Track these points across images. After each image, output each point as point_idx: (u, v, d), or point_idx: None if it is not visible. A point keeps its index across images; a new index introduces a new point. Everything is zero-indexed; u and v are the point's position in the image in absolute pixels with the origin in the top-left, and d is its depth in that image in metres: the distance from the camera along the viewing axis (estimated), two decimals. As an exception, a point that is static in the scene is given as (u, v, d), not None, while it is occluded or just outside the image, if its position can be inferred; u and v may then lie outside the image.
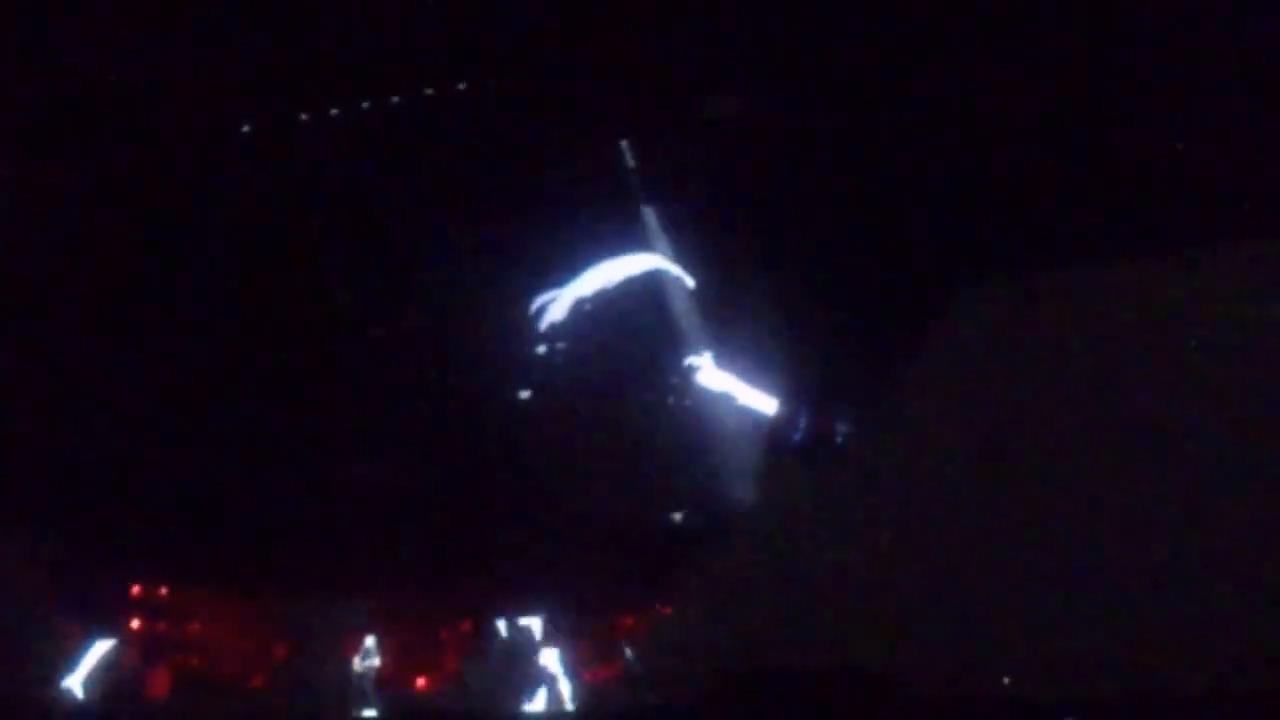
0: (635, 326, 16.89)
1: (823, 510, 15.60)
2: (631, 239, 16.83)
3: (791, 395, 16.48)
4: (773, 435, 16.48)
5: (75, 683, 16.67)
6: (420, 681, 17.05)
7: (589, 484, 16.67)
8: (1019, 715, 13.78)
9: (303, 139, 16.62)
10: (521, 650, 16.45)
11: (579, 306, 16.72)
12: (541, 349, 16.82)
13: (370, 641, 17.05)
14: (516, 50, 16.04)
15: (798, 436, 16.38)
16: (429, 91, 16.24)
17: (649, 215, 16.82)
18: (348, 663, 16.86)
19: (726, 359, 16.73)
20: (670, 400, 16.90)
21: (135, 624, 17.40)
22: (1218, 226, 14.90)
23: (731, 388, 16.72)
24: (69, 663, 16.72)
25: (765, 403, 16.58)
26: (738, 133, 16.20)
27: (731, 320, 16.70)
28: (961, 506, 15.16)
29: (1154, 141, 15.28)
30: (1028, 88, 15.52)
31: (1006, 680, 14.59)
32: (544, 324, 16.71)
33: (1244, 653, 13.58)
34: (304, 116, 16.40)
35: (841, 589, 15.16)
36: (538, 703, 16.06)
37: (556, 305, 16.68)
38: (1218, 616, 13.86)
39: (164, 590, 17.70)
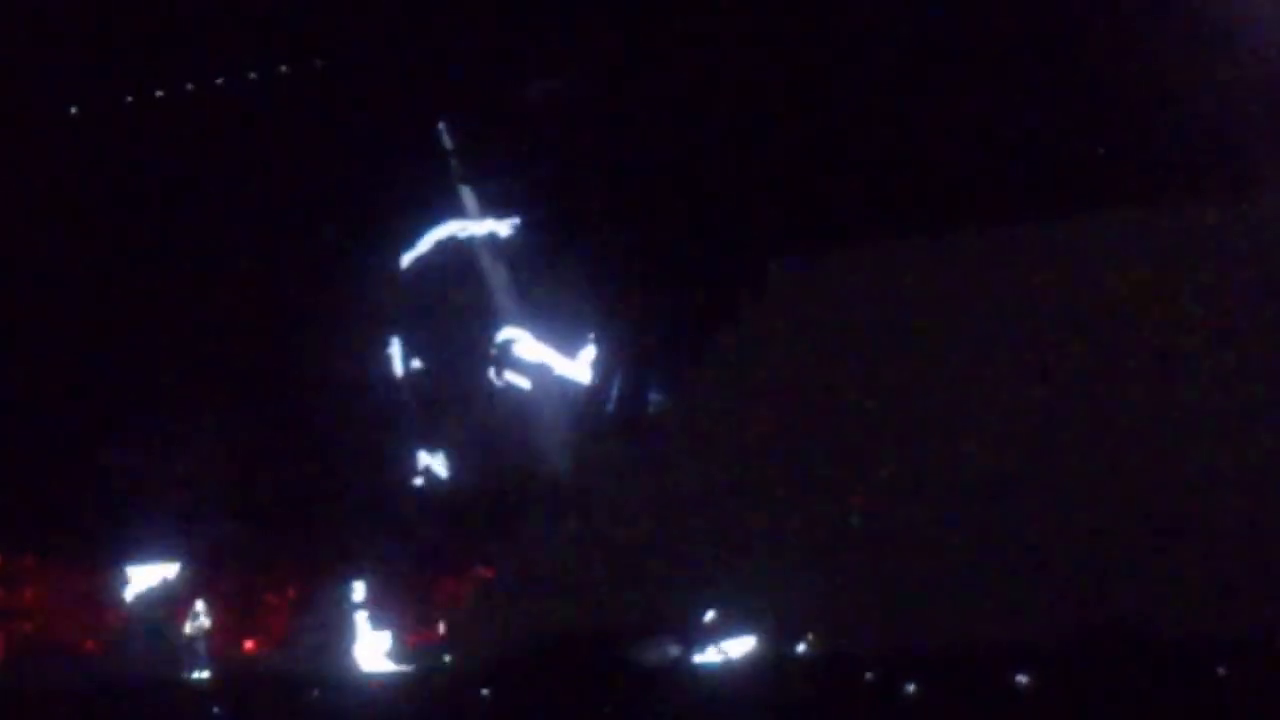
0: (453, 300, 17.20)
1: (634, 479, 15.96)
2: (448, 218, 17.16)
3: (604, 366, 16.83)
4: (586, 405, 16.85)
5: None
6: (248, 644, 17.38)
7: (407, 451, 17.05)
8: (831, 672, 14.11)
9: (122, 125, 16.84)
10: (345, 614, 16.83)
11: (396, 283, 17.04)
12: (360, 324, 17.12)
13: (200, 606, 17.36)
14: (335, 34, 16.29)
15: (610, 407, 16.77)
16: (252, 76, 16.50)
17: (466, 195, 17.17)
18: (178, 627, 17.20)
19: (542, 331, 17.08)
20: (487, 371, 17.23)
21: (-31, 592, 17.77)
22: (1042, 201, 15.30)
23: (546, 359, 17.08)
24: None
25: (579, 373, 16.96)
26: (552, 113, 16.57)
27: (547, 294, 17.04)
28: (774, 477, 15.54)
29: (978, 115, 15.59)
30: (846, 61, 15.84)
31: (810, 636, 15.04)
32: (362, 301, 17.02)
33: (1054, 612, 14.06)
34: (129, 99, 16.62)
35: (654, 556, 15.53)
36: (361, 664, 16.41)
37: (374, 282, 16.99)
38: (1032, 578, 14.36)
39: (-2, 560, 17.96)
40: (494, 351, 17.19)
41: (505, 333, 17.12)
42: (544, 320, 17.04)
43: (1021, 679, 11.95)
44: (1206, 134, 14.70)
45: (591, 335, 16.89)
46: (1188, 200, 14.88)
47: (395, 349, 17.32)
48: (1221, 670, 11.58)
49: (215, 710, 15.12)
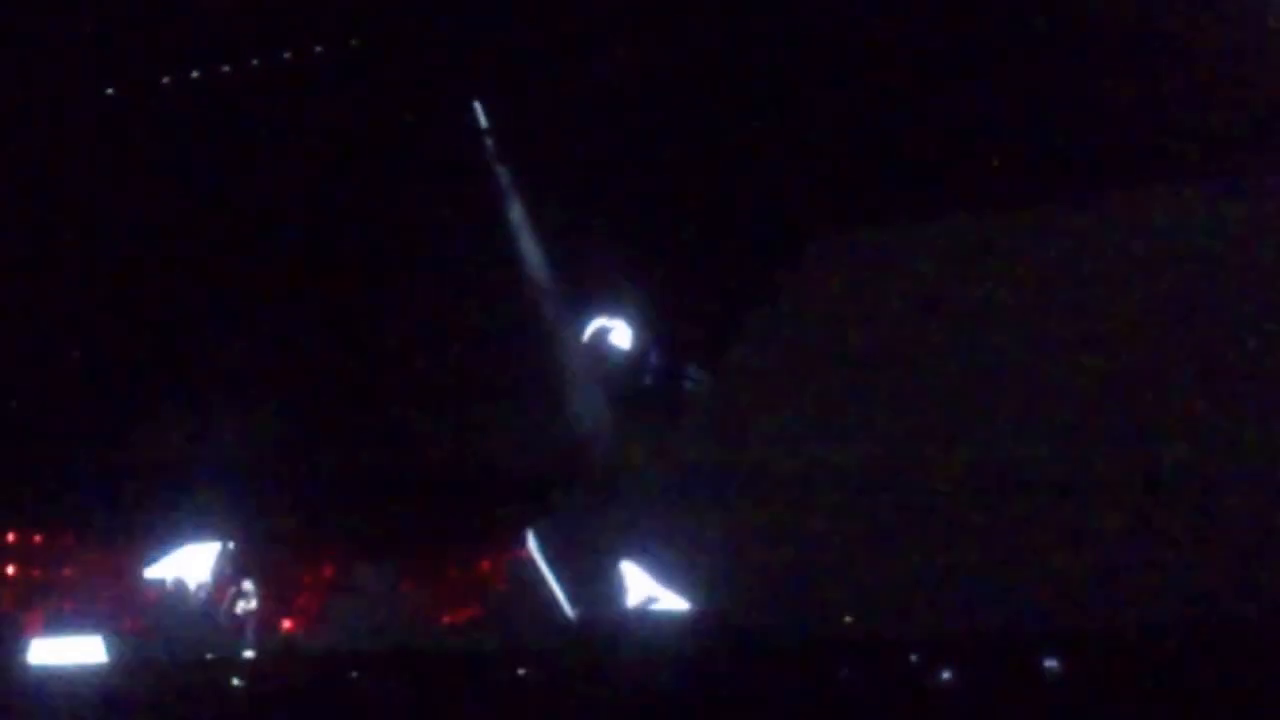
0: (489, 280, 17.22)
1: (673, 455, 16.02)
2: (485, 198, 17.16)
3: (642, 340, 16.84)
4: (624, 380, 16.85)
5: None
6: (286, 623, 17.45)
7: (445, 428, 17.08)
8: (863, 652, 14.15)
9: (159, 106, 16.92)
10: (383, 592, 16.91)
11: (432, 263, 17.06)
12: (397, 301, 17.15)
13: (247, 585, 17.46)
14: (370, 12, 16.31)
15: (648, 381, 16.77)
16: (286, 55, 16.53)
17: (503, 174, 17.17)
18: (219, 605, 17.28)
19: (582, 307, 17.09)
20: (526, 347, 17.25)
21: (10, 570, 17.87)
22: (1076, 176, 15.27)
23: (585, 335, 17.10)
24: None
25: (617, 349, 16.96)
26: (591, 91, 16.55)
27: (586, 269, 17.04)
28: (811, 455, 15.56)
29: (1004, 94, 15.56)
30: (886, 36, 15.82)
31: (849, 619, 15.06)
32: (401, 280, 17.04)
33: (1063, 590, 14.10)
34: (166, 80, 16.67)
35: (690, 534, 15.59)
36: (397, 643, 16.45)
37: (414, 261, 17.01)
38: (1046, 552, 14.38)
39: (38, 537, 18.04)
40: (530, 326, 17.24)
41: (544, 308, 17.16)
42: (582, 297, 17.06)
43: (1051, 664, 12.00)
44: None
45: (630, 308, 16.92)
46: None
47: (432, 326, 17.35)
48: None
49: (253, 689, 15.23)
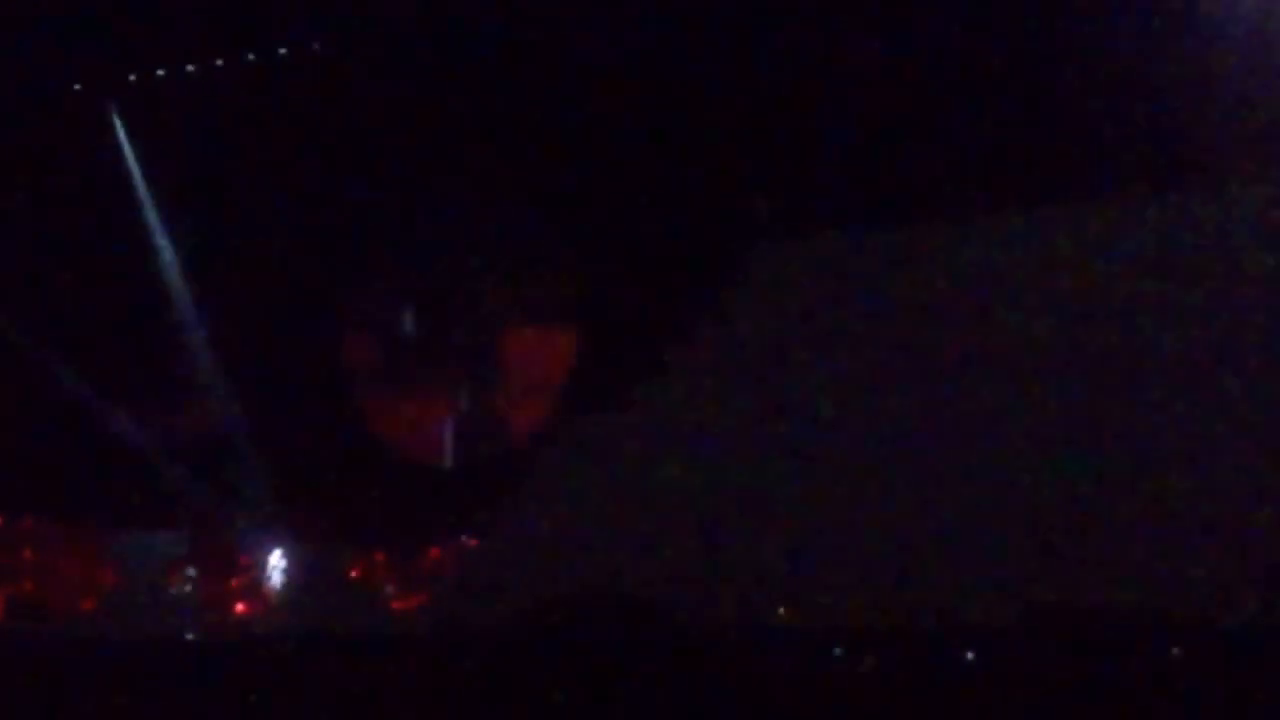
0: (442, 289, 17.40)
1: (619, 446, 16.31)
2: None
3: (588, 343, 16.94)
4: (568, 381, 17.00)
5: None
6: (240, 607, 17.75)
7: (397, 421, 17.32)
8: (794, 645, 14.42)
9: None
10: (333, 579, 17.23)
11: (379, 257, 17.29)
12: (349, 292, 17.40)
13: (191, 570, 17.78)
14: None
15: (592, 383, 16.90)
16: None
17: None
18: (169, 589, 17.58)
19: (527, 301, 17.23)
20: (473, 337, 17.42)
21: (-27, 551, 18.15)
22: (1008, 193, 15.51)
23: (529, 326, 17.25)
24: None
25: (563, 351, 17.11)
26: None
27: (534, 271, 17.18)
28: (751, 456, 15.86)
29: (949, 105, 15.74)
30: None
31: (781, 610, 15.39)
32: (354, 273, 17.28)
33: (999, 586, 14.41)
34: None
35: (637, 523, 15.87)
36: (348, 627, 16.73)
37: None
38: (987, 553, 14.72)
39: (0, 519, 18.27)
40: (476, 320, 17.34)
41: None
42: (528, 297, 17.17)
43: (970, 655, 12.32)
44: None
45: (575, 314, 17.02)
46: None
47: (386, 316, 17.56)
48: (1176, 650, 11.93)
49: (209, 669, 15.46)
